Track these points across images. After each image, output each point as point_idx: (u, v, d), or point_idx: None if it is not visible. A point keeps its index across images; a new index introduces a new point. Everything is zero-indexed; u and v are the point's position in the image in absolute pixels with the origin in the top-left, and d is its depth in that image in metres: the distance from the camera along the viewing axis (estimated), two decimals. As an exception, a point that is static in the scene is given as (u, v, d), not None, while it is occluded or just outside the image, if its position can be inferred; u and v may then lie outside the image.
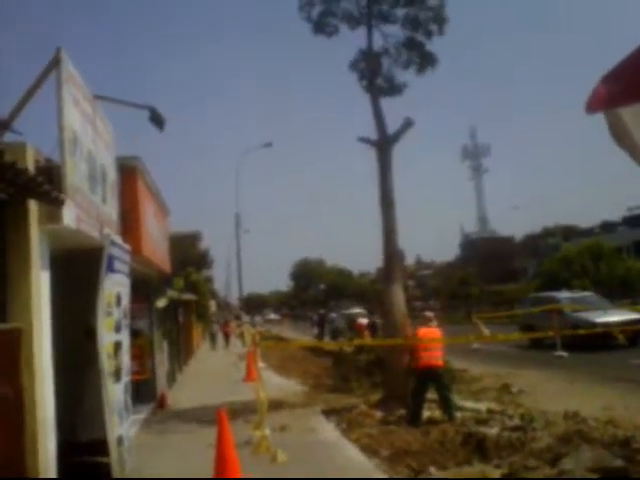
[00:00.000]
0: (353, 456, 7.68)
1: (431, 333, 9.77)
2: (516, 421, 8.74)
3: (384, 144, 12.01)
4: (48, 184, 4.92)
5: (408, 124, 11.99)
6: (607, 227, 69.73)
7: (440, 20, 12.65)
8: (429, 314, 10.40)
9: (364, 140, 12.25)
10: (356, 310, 43.16)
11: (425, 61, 12.90)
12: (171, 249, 15.59)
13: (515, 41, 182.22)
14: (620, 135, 2.62)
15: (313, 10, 12.90)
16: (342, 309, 50.43)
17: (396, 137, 12.07)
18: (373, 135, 12.21)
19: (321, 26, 12.95)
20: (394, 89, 13.12)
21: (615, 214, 78.38)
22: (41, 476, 5.08)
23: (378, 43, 12.98)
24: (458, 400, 10.05)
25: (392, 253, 11.68)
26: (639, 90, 2.25)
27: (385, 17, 12.88)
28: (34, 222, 5.29)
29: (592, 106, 2.43)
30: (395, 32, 12.99)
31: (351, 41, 13.21)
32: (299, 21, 12.97)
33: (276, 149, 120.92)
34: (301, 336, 38.78)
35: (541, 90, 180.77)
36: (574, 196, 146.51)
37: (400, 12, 12.83)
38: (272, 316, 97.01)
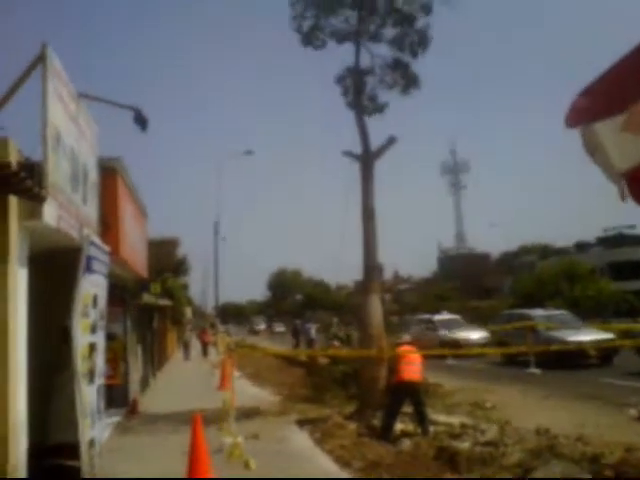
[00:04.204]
0: (326, 466, 7.66)
1: (411, 349, 9.90)
2: (488, 436, 8.80)
3: (367, 159, 12.18)
4: (29, 180, 4.87)
5: (392, 140, 12.21)
6: (581, 247, 70.95)
7: (425, 41, 12.86)
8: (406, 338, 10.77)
9: (348, 154, 12.41)
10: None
11: (409, 82, 13.11)
12: (149, 254, 15.47)
13: (497, 56, 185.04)
14: (594, 151, 2.68)
15: (304, 23, 13.07)
16: (313, 321, 41.86)
17: (379, 153, 12.26)
18: (356, 148, 12.36)
19: (310, 39, 13.11)
20: (377, 108, 13.32)
21: (590, 234, 79.74)
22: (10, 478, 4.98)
23: (365, 61, 13.20)
24: (432, 414, 10.09)
25: (371, 266, 11.77)
26: (617, 103, 2.31)
27: (373, 36, 13.07)
28: (14, 218, 5.22)
29: (572, 120, 2.48)
30: (382, 52, 13.23)
31: (339, 55, 13.40)
32: (289, 31, 13.13)
33: (258, 157, 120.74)
34: (278, 346, 38.51)
35: (521, 109, 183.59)
36: (550, 216, 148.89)
37: (388, 32, 13.05)
38: (262, 326, 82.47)
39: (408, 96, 13.23)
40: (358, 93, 12.94)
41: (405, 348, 9.89)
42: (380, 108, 13.32)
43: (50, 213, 5.51)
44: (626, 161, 2.64)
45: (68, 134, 6.40)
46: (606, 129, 2.56)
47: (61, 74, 6.19)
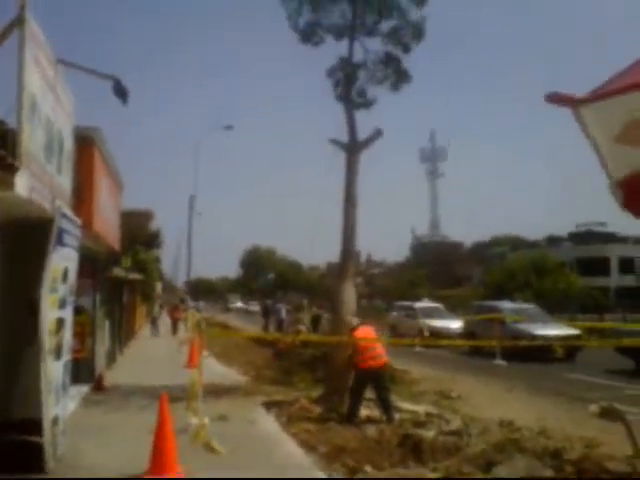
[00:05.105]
0: (291, 451, 7.68)
1: (368, 333, 9.85)
2: (453, 426, 8.90)
3: (353, 149, 12.28)
4: (2, 149, 4.71)
5: (378, 133, 12.39)
6: (552, 241, 72.18)
7: (419, 35, 12.85)
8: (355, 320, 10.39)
9: (335, 142, 12.46)
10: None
11: (400, 78, 13.12)
12: (122, 226, 15.23)
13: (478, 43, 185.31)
14: (585, 134, 2.67)
15: (300, 19, 12.94)
16: (284, 302, 40.89)
17: (366, 144, 12.40)
18: (339, 135, 12.48)
19: (308, 36, 13.02)
20: (365, 103, 13.35)
21: (562, 230, 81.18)
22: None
23: (359, 56, 13.15)
24: (397, 401, 10.17)
25: (349, 252, 11.88)
26: (601, 92, 2.31)
27: (369, 31, 13.00)
28: (-17, 188, 5.04)
29: (554, 98, 2.42)
30: (375, 46, 13.18)
31: (332, 49, 13.35)
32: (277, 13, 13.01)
33: (238, 134, 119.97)
34: (248, 325, 38.49)
35: (500, 102, 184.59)
36: (524, 209, 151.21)
37: (384, 26, 13.00)
38: (239, 304, 79.57)
39: (397, 91, 13.28)
40: (348, 86, 12.93)
41: (361, 332, 9.76)
42: (368, 103, 13.37)
43: (22, 184, 5.32)
44: (618, 171, 2.65)
45: (45, 102, 6.17)
46: (589, 112, 2.54)
47: (39, 38, 5.94)
